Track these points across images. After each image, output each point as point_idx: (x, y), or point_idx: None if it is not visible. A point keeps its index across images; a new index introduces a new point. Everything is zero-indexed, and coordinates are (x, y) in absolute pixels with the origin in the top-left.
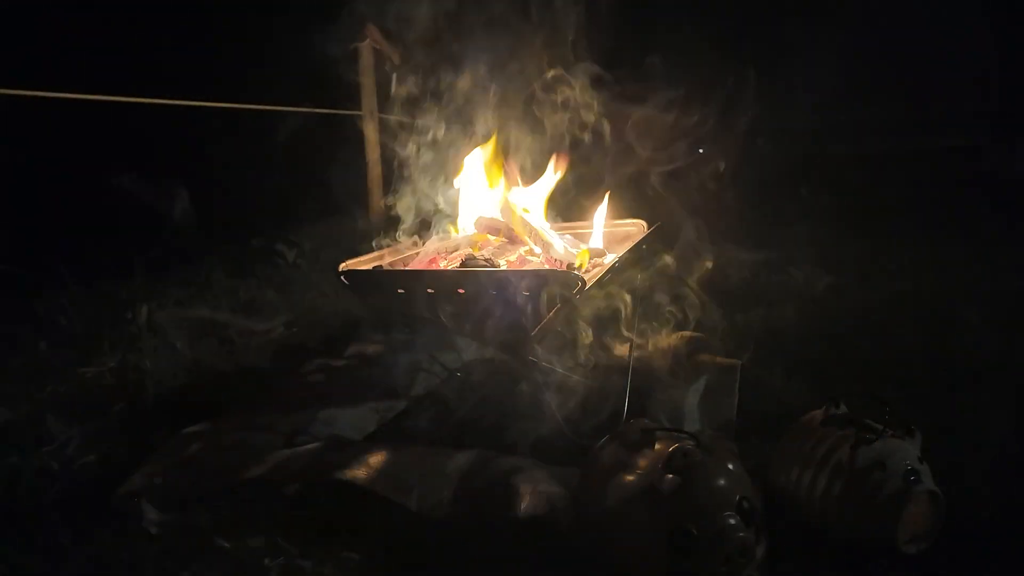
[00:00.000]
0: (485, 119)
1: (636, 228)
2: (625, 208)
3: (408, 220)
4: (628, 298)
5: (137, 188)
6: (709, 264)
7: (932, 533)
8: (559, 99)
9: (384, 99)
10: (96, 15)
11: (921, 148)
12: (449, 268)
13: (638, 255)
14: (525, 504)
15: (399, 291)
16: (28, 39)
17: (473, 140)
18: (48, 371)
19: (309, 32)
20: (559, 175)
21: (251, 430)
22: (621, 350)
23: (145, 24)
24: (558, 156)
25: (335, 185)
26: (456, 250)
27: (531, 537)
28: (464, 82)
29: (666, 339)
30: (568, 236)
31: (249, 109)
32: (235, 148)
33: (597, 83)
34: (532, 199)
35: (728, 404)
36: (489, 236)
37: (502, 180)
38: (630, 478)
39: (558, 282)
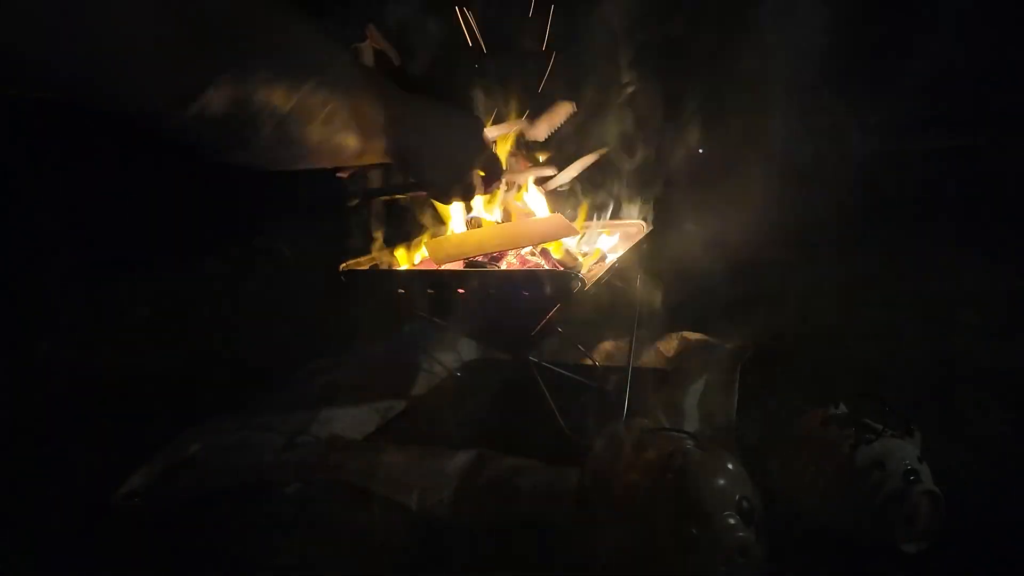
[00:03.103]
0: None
1: (636, 228)
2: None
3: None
4: (628, 297)
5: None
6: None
7: (932, 533)
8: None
9: None
10: None
11: (921, 148)
12: (449, 268)
13: (638, 255)
14: (525, 504)
15: (399, 291)
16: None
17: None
18: (47, 370)
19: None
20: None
21: (251, 430)
22: (621, 350)
23: None
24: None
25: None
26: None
27: (531, 537)
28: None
29: (666, 338)
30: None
31: None
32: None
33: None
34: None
35: (728, 404)
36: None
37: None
38: (629, 478)
39: (558, 282)
